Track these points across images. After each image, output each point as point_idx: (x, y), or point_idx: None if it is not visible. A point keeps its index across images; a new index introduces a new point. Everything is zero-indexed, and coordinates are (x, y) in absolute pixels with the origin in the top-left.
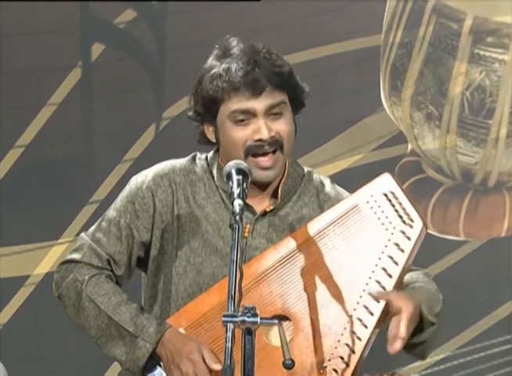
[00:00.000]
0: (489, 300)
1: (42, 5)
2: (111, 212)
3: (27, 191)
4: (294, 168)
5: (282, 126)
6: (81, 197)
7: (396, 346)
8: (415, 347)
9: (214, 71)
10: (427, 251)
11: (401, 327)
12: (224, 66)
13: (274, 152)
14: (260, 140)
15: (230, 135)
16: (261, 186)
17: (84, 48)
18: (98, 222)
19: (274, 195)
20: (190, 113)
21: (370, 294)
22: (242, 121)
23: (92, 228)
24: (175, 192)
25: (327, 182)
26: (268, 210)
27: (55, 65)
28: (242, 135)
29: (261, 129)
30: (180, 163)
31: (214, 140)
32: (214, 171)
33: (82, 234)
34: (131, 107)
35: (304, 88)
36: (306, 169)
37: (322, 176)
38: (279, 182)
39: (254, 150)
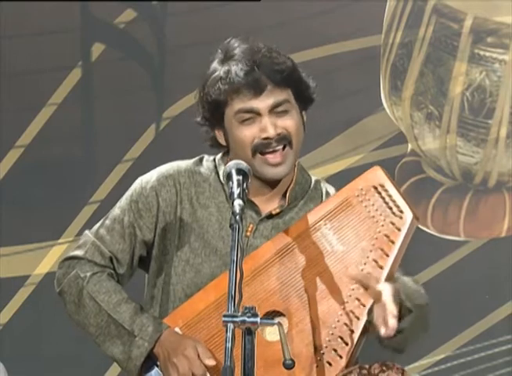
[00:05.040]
0: (489, 300)
1: (42, 5)
2: (116, 210)
3: (27, 191)
4: (302, 174)
5: (288, 122)
6: (81, 196)
7: (392, 324)
8: (393, 336)
9: (215, 75)
10: (427, 251)
11: (388, 306)
12: (225, 68)
13: (283, 148)
14: (267, 138)
15: (237, 134)
16: (271, 185)
17: (84, 48)
18: (102, 219)
19: (282, 198)
20: (199, 119)
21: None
22: (247, 119)
23: (97, 225)
24: (179, 192)
25: (332, 192)
26: (274, 213)
27: (55, 65)
28: (249, 133)
29: (267, 127)
30: (185, 164)
31: (225, 143)
32: (221, 172)
33: (86, 231)
34: (131, 107)
35: (310, 83)
36: (314, 177)
37: (328, 185)
38: (288, 187)
39: (261, 148)
